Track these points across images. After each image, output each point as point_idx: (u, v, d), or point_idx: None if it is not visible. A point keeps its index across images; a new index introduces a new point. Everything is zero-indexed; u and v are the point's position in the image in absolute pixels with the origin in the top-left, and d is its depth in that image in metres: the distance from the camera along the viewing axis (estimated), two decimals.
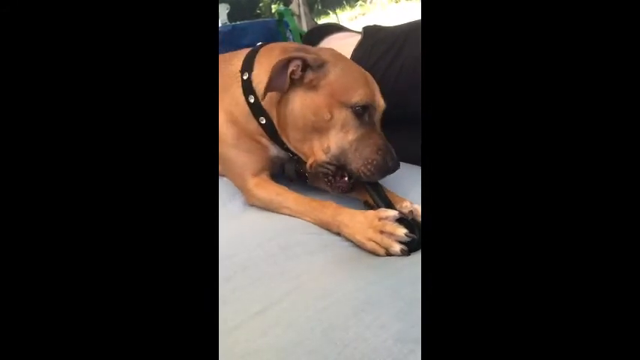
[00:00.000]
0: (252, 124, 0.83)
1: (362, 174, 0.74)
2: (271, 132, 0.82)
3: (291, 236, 0.72)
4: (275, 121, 0.81)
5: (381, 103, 0.79)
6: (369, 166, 0.73)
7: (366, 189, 0.77)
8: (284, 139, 0.81)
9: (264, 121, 0.82)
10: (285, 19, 1.70)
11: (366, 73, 0.81)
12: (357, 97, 0.74)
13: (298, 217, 0.78)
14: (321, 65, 0.75)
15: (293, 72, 0.75)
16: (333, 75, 0.76)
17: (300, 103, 0.76)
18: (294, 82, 0.76)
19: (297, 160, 0.85)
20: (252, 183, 0.84)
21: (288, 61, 0.74)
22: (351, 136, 0.74)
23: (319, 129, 0.75)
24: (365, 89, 0.76)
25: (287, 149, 0.84)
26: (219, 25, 1.87)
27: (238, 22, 1.84)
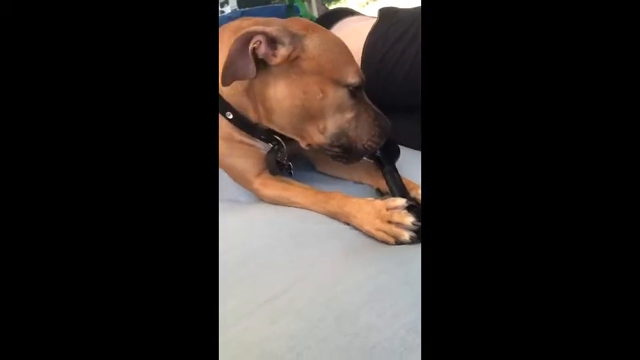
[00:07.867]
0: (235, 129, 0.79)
1: (369, 148, 0.75)
2: (243, 125, 0.77)
3: (302, 224, 0.71)
4: (250, 111, 0.76)
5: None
6: (374, 139, 0.74)
7: (383, 176, 0.77)
8: (271, 127, 0.76)
9: (231, 116, 0.76)
10: (296, 4, 1.67)
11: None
12: (352, 77, 0.70)
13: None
14: (294, 37, 0.67)
15: (255, 50, 0.64)
16: (315, 49, 0.68)
17: (286, 85, 0.70)
18: (266, 64, 0.68)
19: (276, 151, 0.81)
20: (257, 184, 0.82)
21: (247, 39, 0.64)
22: (349, 115, 0.72)
23: (311, 109, 0.70)
24: (356, 65, 0.72)
25: (264, 139, 0.80)
26: (229, 11, 1.85)
27: (248, 8, 1.82)
